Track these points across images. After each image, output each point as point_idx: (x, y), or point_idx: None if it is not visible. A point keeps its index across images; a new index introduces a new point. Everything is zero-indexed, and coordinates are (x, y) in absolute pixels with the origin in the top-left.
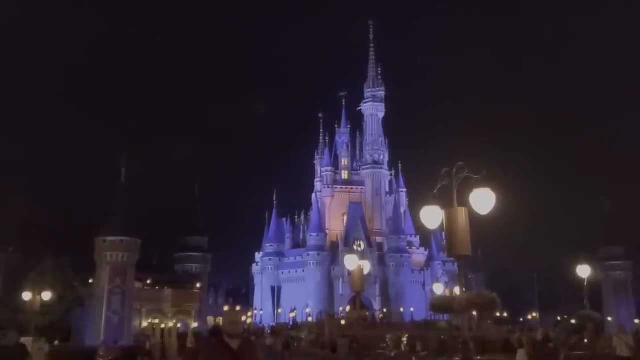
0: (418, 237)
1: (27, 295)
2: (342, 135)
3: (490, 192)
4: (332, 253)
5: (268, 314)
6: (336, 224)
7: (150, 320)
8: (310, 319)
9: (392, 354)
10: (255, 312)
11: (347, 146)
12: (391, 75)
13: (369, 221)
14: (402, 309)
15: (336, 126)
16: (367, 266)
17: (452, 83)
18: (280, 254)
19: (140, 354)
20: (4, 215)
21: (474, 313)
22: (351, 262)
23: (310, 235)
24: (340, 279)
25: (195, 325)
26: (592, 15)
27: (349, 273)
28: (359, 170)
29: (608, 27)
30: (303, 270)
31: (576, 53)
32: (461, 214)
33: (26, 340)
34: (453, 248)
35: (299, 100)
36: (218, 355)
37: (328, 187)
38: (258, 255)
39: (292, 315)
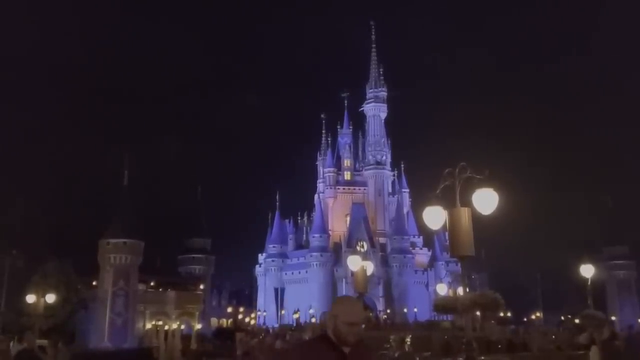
0: (421, 237)
1: (31, 298)
2: (345, 136)
3: (493, 192)
4: (335, 254)
5: (271, 315)
6: (339, 225)
7: (153, 322)
8: (313, 320)
9: (396, 355)
10: (259, 313)
11: (350, 147)
12: (393, 75)
13: (372, 222)
14: (405, 310)
15: (338, 127)
16: (370, 267)
17: (454, 83)
18: (283, 256)
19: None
20: (7, 218)
21: (478, 313)
22: (354, 263)
23: (313, 237)
24: (344, 279)
25: (198, 327)
26: (593, 15)
27: (352, 274)
28: (362, 171)
29: (609, 26)
30: (306, 272)
31: (578, 53)
32: (464, 214)
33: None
34: (456, 248)
35: (301, 101)
36: None
37: (330, 188)
38: (261, 257)
39: (296, 316)
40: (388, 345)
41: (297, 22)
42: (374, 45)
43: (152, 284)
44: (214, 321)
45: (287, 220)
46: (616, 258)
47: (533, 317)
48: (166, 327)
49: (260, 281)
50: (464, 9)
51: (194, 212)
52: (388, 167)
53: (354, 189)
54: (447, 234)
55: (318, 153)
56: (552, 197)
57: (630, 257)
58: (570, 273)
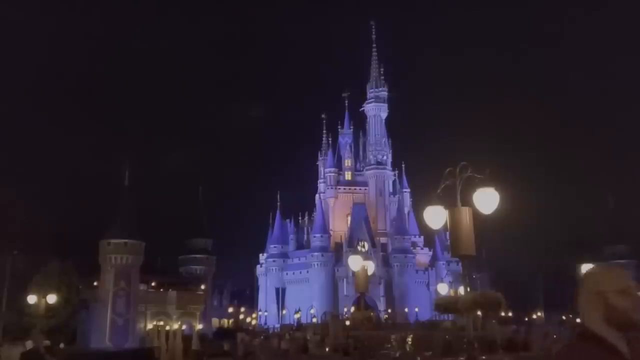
0: (422, 237)
1: (32, 299)
2: (345, 136)
3: (494, 192)
4: (336, 254)
5: (273, 315)
6: (340, 225)
7: (155, 323)
8: (314, 320)
9: (397, 354)
10: (260, 313)
11: (351, 147)
12: (394, 75)
13: (373, 222)
14: (406, 309)
15: (339, 127)
16: (371, 267)
17: (455, 83)
18: (284, 256)
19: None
20: (9, 218)
21: (479, 313)
22: (355, 262)
23: (314, 237)
24: (345, 279)
25: (200, 327)
26: (594, 13)
27: (353, 274)
28: (363, 171)
29: (611, 23)
30: (307, 272)
31: (579, 51)
32: (465, 214)
33: None
34: (457, 248)
35: (302, 102)
36: None
37: (332, 188)
38: (262, 257)
39: (297, 316)
40: (389, 345)
41: (297, 22)
42: (374, 45)
43: (153, 284)
44: (215, 321)
45: (288, 221)
46: (617, 257)
47: (534, 316)
48: (167, 328)
49: (261, 281)
50: (464, 8)
51: (195, 212)
52: (389, 167)
53: (355, 189)
54: (448, 233)
55: (319, 153)
56: (553, 196)
57: (630, 256)
58: (572, 272)
